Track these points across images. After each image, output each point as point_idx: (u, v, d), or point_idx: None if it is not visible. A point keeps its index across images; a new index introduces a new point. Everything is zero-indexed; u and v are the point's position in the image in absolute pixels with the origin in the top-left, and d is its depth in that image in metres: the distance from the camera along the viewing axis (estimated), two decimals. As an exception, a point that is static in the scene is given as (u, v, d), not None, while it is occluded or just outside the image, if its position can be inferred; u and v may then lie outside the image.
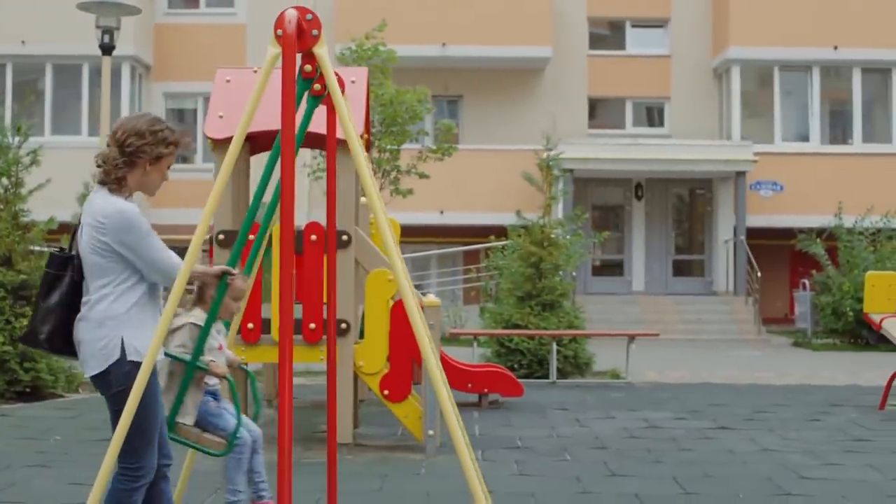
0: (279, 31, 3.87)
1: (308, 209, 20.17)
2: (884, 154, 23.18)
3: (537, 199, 13.95)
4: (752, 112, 23.80)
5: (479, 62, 23.47)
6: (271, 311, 7.29)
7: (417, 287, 14.29)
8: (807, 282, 20.32)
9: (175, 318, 4.39)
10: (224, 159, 4.03)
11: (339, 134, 4.30)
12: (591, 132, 24.20)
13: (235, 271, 4.49)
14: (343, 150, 5.85)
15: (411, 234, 18.71)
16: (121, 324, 4.00)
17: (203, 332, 4.45)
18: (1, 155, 10.64)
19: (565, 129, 21.68)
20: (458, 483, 5.04)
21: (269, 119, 5.53)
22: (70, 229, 4.39)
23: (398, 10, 21.65)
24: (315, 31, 3.97)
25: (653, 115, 25.20)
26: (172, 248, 4.15)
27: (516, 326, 13.12)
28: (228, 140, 6.99)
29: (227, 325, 4.99)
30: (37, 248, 10.97)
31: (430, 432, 7.46)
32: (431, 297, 7.96)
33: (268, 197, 4.47)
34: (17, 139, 10.71)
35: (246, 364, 6.20)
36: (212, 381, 4.72)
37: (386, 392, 7.60)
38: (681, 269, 24.26)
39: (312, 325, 7.28)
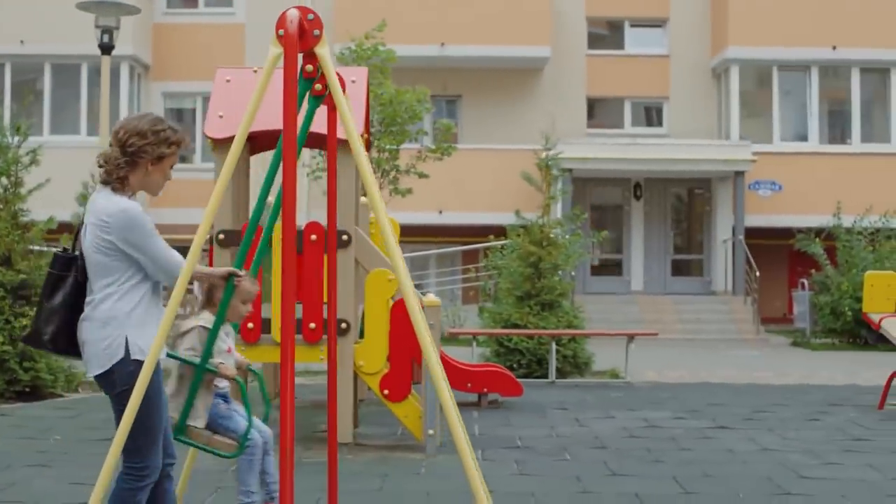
0: (281, 32, 3.87)
1: (307, 209, 20.16)
2: (882, 154, 23.19)
3: (536, 199, 13.95)
4: (751, 112, 23.81)
5: (478, 62, 23.47)
6: (272, 310, 7.29)
7: (417, 287, 14.30)
8: (805, 281, 20.33)
9: (179, 319, 4.37)
10: (225, 159, 4.03)
11: (340, 133, 4.30)
12: (590, 132, 24.21)
13: (242, 273, 4.48)
14: (343, 150, 5.85)
15: (410, 234, 18.72)
16: (125, 323, 3.99)
17: (211, 335, 4.44)
18: (0, 154, 10.65)
19: (564, 129, 21.68)
20: (459, 482, 5.05)
21: (269, 119, 5.53)
22: (69, 229, 4.40)
23: (397, 9, 21.65)
24: (316, 31, 3.97)
25: (651, 114, 25.20)
26: (173, 247, 4.14)
27: (515, 326, 13.12)
28: (229, 140, 7.02)
29: (236, 328, 4.98)
30: (36, 248, 10.97)
31: (430, 432, 7.47)
32: (431, 297, 7.96)
33: (271, 198, 4.45)
34: (16, 139, 10.72)
35: (252, 366, 6.19)
36: (222, 384, 4.71)
37: (386, 392, 7.60)
38: (679, 268, 24.27)
39: (312, 325, 7.27)
